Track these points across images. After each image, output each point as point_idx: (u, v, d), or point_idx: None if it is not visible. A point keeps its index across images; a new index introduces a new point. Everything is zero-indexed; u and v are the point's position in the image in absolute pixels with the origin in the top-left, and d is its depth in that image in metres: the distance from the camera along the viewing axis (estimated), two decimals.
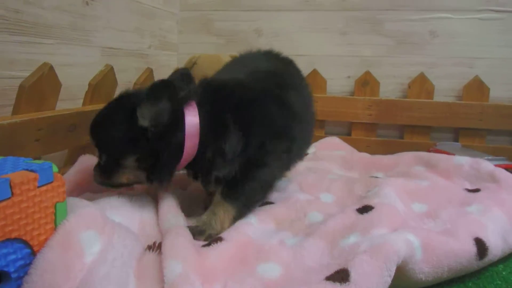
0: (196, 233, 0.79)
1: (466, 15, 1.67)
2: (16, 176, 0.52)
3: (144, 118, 0.81)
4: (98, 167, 0.89)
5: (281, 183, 1.15)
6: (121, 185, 0.90)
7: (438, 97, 1.71)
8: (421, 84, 1.71)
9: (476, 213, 0.92)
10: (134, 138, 0.82)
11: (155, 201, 0.91)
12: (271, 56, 1.14)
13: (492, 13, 1.65)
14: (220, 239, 0.79)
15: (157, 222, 0.84)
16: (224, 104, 0.88)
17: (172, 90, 0.80)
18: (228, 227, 0.84)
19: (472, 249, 0.76)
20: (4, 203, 0.50)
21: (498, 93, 1.66)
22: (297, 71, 1.15)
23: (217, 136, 0.85)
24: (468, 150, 1.51)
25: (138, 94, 0.85)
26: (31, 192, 0.54)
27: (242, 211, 0.89)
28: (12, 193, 0.51)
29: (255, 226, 0.91)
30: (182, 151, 0.83)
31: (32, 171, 0.55)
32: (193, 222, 0.88)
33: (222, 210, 0.85)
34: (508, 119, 1.63)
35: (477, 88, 1.66)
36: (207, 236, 0.79)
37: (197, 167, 0.89)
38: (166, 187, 0.96)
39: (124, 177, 0.87)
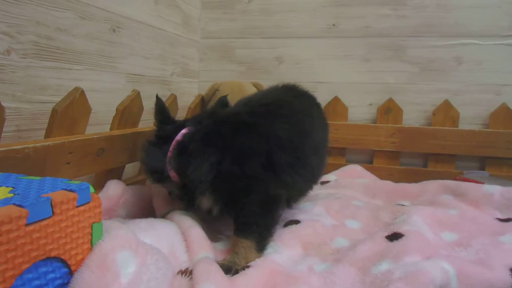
0: (224, 270, 0.77)
1: (493, 41, 1.64)
2: (57, 195, 0.53)
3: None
4: None
5: (307, 205, 1.15)
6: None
7: (463, 125, 1.68)
8: (445, 112, 1.67)
9: (510, 243, 0.90)
10: None
11: (182, 226, 0.90)
12: (286, 88, 1.16)
13: None
14: (248, 266, 0.78)
15: (186, 248, 0.84)
16: (199, 132, 0.94)
17: (158, 102, 1.01)
18: (254, 259, 0.82)
19: (508, 279, 0.75)
20: (45, 222, 0.50)
21: None
22: (307, 103, 1.15)
23: (183, 161, 0.92)
24: (497, 179, 1.46)
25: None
26: (70, 211, 0.54)
27: (262, 239, 0.88)
28: (53, 212, 0.52)
29: (281, 252, 0.90)
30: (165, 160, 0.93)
31: (71, 191, 0.55)
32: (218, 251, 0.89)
33: (242, 247, 0.85)
34: None
35: (504, 115, 1.62)
36: (234, 272, 0.78)
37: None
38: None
39: None
